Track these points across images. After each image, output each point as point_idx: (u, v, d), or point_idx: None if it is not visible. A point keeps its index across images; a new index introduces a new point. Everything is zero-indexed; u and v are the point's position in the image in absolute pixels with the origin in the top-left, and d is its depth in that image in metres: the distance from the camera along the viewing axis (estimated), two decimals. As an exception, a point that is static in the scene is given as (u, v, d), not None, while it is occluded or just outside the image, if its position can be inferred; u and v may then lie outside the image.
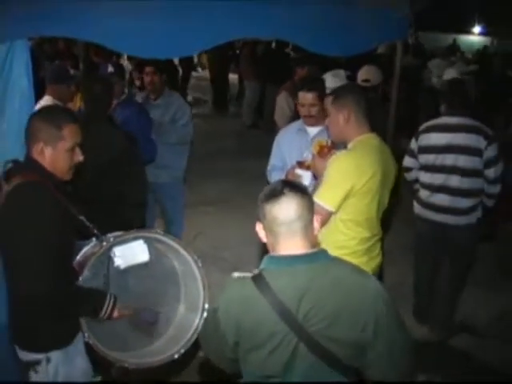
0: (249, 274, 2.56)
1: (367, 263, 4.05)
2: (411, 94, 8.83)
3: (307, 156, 4.62)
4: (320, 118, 4.76)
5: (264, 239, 2.59)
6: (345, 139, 4.06)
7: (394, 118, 5.51)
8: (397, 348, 2.51)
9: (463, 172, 5.29)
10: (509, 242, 7.45)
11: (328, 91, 5.99)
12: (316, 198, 3.75)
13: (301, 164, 4.54)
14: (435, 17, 22.53)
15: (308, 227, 2.51)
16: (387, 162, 4.11)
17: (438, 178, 5.40)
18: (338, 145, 4.22)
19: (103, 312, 3.20)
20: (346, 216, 3.95)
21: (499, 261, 6.97)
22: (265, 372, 2.48)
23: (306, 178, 4.52)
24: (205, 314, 3.44)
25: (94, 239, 3.49)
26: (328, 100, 4.15)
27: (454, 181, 5.32)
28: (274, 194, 2.48)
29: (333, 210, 3.87)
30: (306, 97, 4.75)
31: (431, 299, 5.91)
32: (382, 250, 4.31)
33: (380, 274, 4.54)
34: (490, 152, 5.21)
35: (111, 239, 3.40)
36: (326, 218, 3.89)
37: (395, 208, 5.08)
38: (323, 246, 3.50)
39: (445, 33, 27.58)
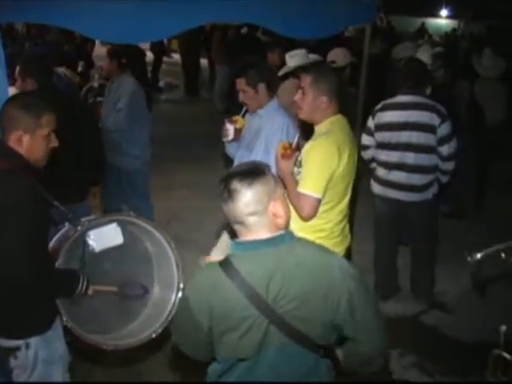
0: (216, 258, 2.59)
1: (341, 242, 4.15)
2: (379, 77, 8.93)
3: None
4: (254, 103, 4.69)
5: None
6: (315, 120, 4.08)
7: (363, 102, 5.59)
8: (371, 323, 2.54)
9: (418, 149, 5.41)
10: (478, 219, 7.62)
11: (288, 70, 6.18)
12: (302, 189, 3.83)
13: (230, 120, 4.82)
14: (405, 1, 22.68)
15: (266, 217, 2.50)
16: (353, 141, 4.18)
17: (393, 156, 5.51)
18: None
19: (77, 290, 3.26)
20: (325, 200, 3.96)
21: (468, 237, 7.10)
22: (238, 354, 2.50)
23: (230, 132, 4.79)
24: (180, 294, 3.50)
25: (66, 224, 3.53)
26: (305, 80, 4.14)
27: (410, 158, 5.44)
28: (222, 195, 2.49)
29: (320, 196, 3.86)
30: (237, 82, 4.69)
31: (391, 275, 6.10)
32: (351, 229, 4.40)
33: (349, 252, 4.66)
34: (444, 129, 5.35)
35: (86, 223, 3.44)
36: (317, 206, 3.89)
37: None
38: (299, 230, 3.59)
39: (414, 16, 27.75)
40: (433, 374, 4.98)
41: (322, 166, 3.85)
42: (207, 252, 4.51)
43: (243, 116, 4.85)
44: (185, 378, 4.70)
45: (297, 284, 2.43)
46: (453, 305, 6.12)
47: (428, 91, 7.04)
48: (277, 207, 2.52)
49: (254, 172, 2.51)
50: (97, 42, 12.65)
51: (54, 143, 3.30)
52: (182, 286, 3.57)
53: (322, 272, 2.48)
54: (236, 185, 2.46)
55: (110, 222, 3.56)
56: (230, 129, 4.79)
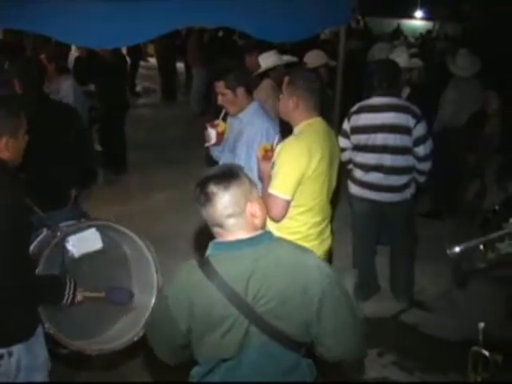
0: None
1: (319, 246, 4.15)
2: (357, 77, 8.98)
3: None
4: (233, 106, 4.68)
5: None
6: (291, 121, 4.13)
7: (339, 103, 5.62)
8: (346, 325, 2.55)
9: (394, 150, 5.46)
10: (462, 219, 7.67)
11: (260, 71, 6.16)
12: (271, 190, 3.85)
13: (212, 124, 4.78)
14: (381, 2, 22.82)
15: (243, 219, 2.51)
16: (333, 144, 4.21)
17: (370, 158, 5.55)
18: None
19: (65, 298, 3.24)
20: (298, 202, 3.99)
21: (448, 237, 7.16)
22: (219, 355, 2.50)
23: (212, 136, 4.76)
24: None
25: (44, 230, 3.53)
26: (284, 81, 4.20)
27: (386, 159, 5.48)
28: (199, 199, 2.49)
29: (289, 198, 3.89)
30: (216, 85, 4.68)
31: (371, 275, 6.15)
32: (332, 232, 4.44)
33: (330, 254, 4.68)
34: (419, 130, 5.40)
35: (65, 228, 3.44)
36: (286, 207, 3.92)
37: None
38: (276, 231, 3.62)
39: (390, 18, 27.94)
40: (413, 371, 5.02)
41: (290, 167, 3.87)
42: (188, 256, 4.52)
43: (223, 119, 4.85)
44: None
45: (275, 283, 2.45)
46: (432, 303, 6.18)
47: (407, 91, 7.12)
48: (254, 208, 2.54)
49: (229, 174, 2.53)
50: (73, 47, 12.61)
51: (26, 138, 3.29)
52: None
53: (299, 271, 2.50)
54: (213, 188, 2.46)
55: (89, 227, 3.56)
56: (211, 133, 4.78)
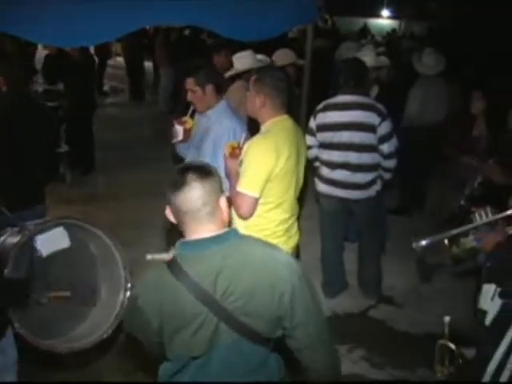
0: (161, 255, 2.59)
1: (286, 242, 4.18)
2: (324, 75, 9.04)
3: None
4: (202, 103, 4.71)
5: (174, 221, 2.60)
6: (258, 119, 4.15)
7: (306, 101, 5.65)
8: (313, 319, 2.59)
9: (360, 148, 5.51)
10: (428, 216, 7.77)
11: (236, 72, 6.24)
12: (239, 188, 3.87)
13: (179, 121, 4.84)
14: (348, 1, 22.96)
15: (215, 210, 2.53)
16: (300, 142, 4.25)
17: (336, 155, 5.60)
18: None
19: (31, 299, 3.23)
20: (266, 200, 4.02)
21: (415, 232, 7.24)
22: (189, 353, 2.51)
23: (180, 133, 4.81)
24: (128, 293, 3.51)
25: (8, 228, 3.51)
26: (250, 79, 4.23)
27: (352, 157, 5.54)
28: (177, 184, 2.48)
29: (257, 195, 3.92)
30: (186, 82, 4.69)
31: (339, 272, 6.20)
32: (299, 228, 4.47)
33: (297, 251, 4.72)
34: (383, 128, 5.46)
35: (32, 228, 3.42)
36: (254, 205, 3.95)
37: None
38: (244, 229, 3.64)
39: (357, 17, 28.14)
40: (383, 366, 5.07)
41: (258, 165, 3.91)
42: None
43: (191, 116, 4.87)
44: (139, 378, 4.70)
45: (244, 280, 2.46)
46: (400, 299, 6.25)
47: (376, 90, 7.18)
48: (223, 203, 2.56)
49: (207, 168, 2.57)
50: (39, 46, 12.53)
51: None
52: (129, 285, 3.58)
53: (267, 268, 2.52)
54: (192, 176, 2.47)
55: (57, 225, 3.54)
56: (179, 130, 4.81)
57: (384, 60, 8.09)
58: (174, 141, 4.89)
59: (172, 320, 2.49)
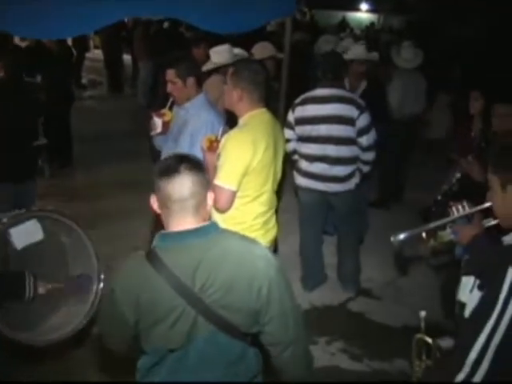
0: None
1: (264, 236, 4.18)
2: (303, 68, 9.04)
3: None
4: (182, 95, 4.71)
5: (158, 211, 2.59)
6: (236, 112, 4.16)
7: (285, 94, 5.65)
8: (288, 315, 2.60)
9: (338, 141, 5.52)
10: (406, 209, 7.81)
11: (213, 66, 6.25)
12: (217, 181, 3.87)
13: (158, 113, 4.83)
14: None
15: (201, 204, 2.54)
16: (278, 135, 4.26)
17: (315, 148, 5.61)
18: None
19: (27, 292, 3.22)
20: (244, 193, 4.04)
21: (391, 226, 7.28)
22: (167, 346, 2.52)
23: (158, 125, 4.80)
24: (101, 285, 3.52)
25: None
26: (228, 72, 4.24)
27: (331, 150, 5.55)
28: (169, 171, 2.47)
29: (235, 189, 3.94)
30: (167, 73, 4.69)
31: (318, 265, 6.22)
32: (277, 222, 4.48)
33: (275, 244, 4.73)
34: (362, 121, 5.48)
35: (5, 221, 3.41)
36: (231, 197, 3.96)
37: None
38: (221, 222, 3.64)
39: (336, 10, 28.18)
40: (361, 358, 5.11)
41: (235, 158, 3.92)
42: (136, 247, 4.50)
43: (170, 108, 4.85)
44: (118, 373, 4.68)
45: (222, 274, 2.47)
46: (379, 291, 6.30)
47: (364, 84, 7.20)
48: (210, 198, 2.58)
49: (199, 161, 2.63)
50: (16, 39, 12.40)
51: None
52: (102, 277, 3.58)
53: (246, 262, 2.54)
54: (186, 166, 2.48)
55: (30, 218, 3.54)
56: (157, 122, 4.80)
57: (374, 54, 8.10)
58: (153, 133, 4.88)
59: (149, 312, 2.48)
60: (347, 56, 7.04)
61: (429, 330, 3.21)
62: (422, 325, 2.92)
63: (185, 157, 2.58)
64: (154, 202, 2.57)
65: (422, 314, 2.91)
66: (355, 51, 7.28)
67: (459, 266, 3.16)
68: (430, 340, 2.87)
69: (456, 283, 4.62)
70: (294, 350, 2.68)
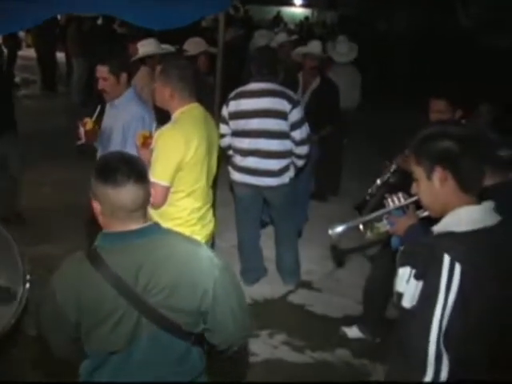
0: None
1: (200, 231, 4.21)
2: (239, 64, 9.07)
3: None
4: (113, 92, 4.71)
5: (98, 215, 2.53)
6: (168, 109, 4.18)
7: (220, 89, 5.66)
8: (236, 311, 2.62)
9: (271, 135, 5.55)
10: (344, 201, 7.91)
11: (140, 56, 6.38)
12: (151, 177, 3.86)
13: (82, 122, 4.81)
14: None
15: (146, 206, 2.55)
16: (211, 130, 4.29)
17: (247, 143, 5.62)
18: None
19: None
20: (177, 188, 4.06)
21: (329, 218, 7.37)
22: (109, 347, 2.49)
23: (81, 135, 4.81)
24: (27, 285, 3.48)
25: None
26: (156, 70, 4.26)
27: (264, 144, 5.57)
28: (117, 179, 2.41)
29: (169, 184, 3.97)
30: (98, 70, 4.68)
31: (256, 258, 6.26)
32: (215, 217, 4.49)
33: (213, 239, 4.76)
34: (294, 115, 5.51)
35: None
36: (165, 193, 3.99)
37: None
38: (157, 217, 3.65)
39: (270, 5, 28.28)
40: (303, 350, 5.15)
41: (168, 154, 3.95)
42: (76, 247, 4.46)
43: (99, 115, 4.82)
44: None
45: (166, 274, 2.46)
46: (319, 283, 6.37)
47: (317, 81, 7.28)
48: (151, 199, 2.61)
49: (142, 165, 2.59)
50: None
51: None
52: (28, 277, 3.55)
53: (190, 262, 2.53)
54: (135, 172, 2.44)
55: None
56: (80, 131, 4.79)
57: (327, 54, 8.18)
58: (79, 143, 4.85)
59: (91, 313, 2.45)
60: (302, 51, 7.37)
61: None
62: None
63: (129, 161, 2.51)
64: (97, 208, 2.51)
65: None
66: (311, 49, 7.37)
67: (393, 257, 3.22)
68: None
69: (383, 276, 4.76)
70: (240, 344, 2.75)
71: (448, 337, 2.19)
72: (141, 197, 2.45)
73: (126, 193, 2.41)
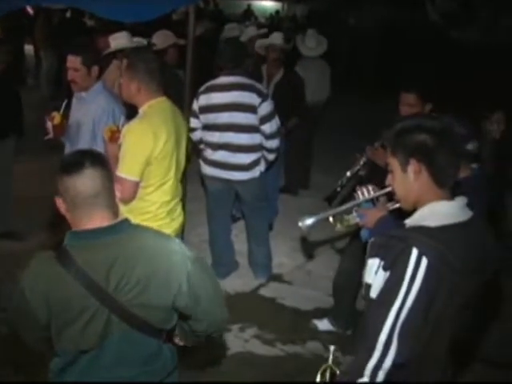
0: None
1: (169, 224, 4.22)
2: (210, 57, 9.04)
3: None
4: (83, 83, 4.70)
5: (65, 213, 2.50)
6: (134, 103, 4.17)
7: (191, 83, 5.65)
8: (210, 302, 2.63)
9: (240, 129, 5.55)
10: (313, 194, 7.95)
11: (112, 50, 6.34)
12: (119, 173, 3.87)
13: (49, 117, 4.78)
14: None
15: (111, 197, 2.51)
16: (179, 124, 4.28)
17: (217, 136, 5.62)
18: None
19: None
20: (147, 183, 4.06)
21: (300, 211, 7.40)
22: (80, 347, 2.46)
23: (49, 129, 4.79)
24: None
25: None
26: (123, 64, 4.23)
27: (233, 138, 5.57)
28: (74, 167, 2.40)
29: (137, 179, 3.96)
30: (69, 60, 4.65)
31: (228, 252, 6.28)
32: (184, 210, 4.49)
33: (182, 232, 4.77)
34: (264, 109, 5.52)
35: None
36: (135, 188, 3.98)
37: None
38: (126, 212, 3.62)
39: (241, -1, 28.22)
40: (274, 343, 5.16)
41: (136, 149, 3.94)
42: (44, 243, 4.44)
43: (66, 109, 4.79)
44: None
45: (139, 271, 2.43)
46: (290, 276, 6.40)
47: (281, 74, 7.31)
48: (117, 189, 2.59)
49: (103, 156, 2.62)
50: None
51: None
52: None
53: (162, 257, 2.52)
54: (91, 159, 2.43)
55: None
56: (48, 126, 4.76)
57: (291, 45, 8.20)
58: (47, 137, 4.81)
59: (60, 313, 2.43)
60: (265, 43, 7.48)
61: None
62: (331, 356, 2.93)
63: (87, 152, 2.56)
64: (61, 204, 2.48)
65: (332, 348, 2.95)
66: (274, 40, 7.40)
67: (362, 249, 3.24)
68: (337, 370, 2.89)
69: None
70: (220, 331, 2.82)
71: (406, 329, 2.21)
72: (98, 181, 2.42)
73: (83, 178, 2.39)
